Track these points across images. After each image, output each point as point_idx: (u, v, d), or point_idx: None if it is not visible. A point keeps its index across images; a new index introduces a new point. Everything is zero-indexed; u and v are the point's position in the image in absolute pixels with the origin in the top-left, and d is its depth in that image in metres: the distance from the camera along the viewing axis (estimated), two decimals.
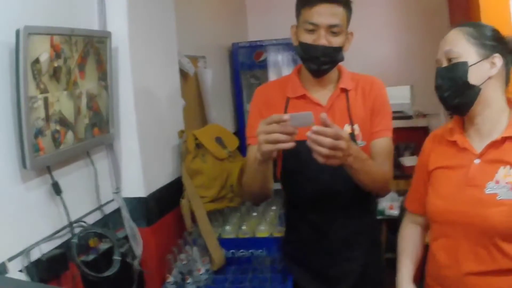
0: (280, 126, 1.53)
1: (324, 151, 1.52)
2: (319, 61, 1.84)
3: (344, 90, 1.94)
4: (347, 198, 1.93)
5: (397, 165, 4.21)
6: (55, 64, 1.79)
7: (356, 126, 1.92)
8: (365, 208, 2.04)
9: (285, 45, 4.29)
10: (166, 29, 2.69)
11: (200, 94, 3.46)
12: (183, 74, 3.12)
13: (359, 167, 1.70)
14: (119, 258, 2.02)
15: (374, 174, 1.80)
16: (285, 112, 1.91)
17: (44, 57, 1.72)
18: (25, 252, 1.68)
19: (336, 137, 1.52)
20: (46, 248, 1.80)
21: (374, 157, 1.89)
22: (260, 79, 4.43)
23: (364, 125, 1.92)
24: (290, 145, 1.55)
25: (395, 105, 4.48)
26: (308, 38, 1.83)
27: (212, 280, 2.38)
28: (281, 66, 4.38)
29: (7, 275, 1.56)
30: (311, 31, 1.82)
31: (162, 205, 2.49)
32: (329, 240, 1.98)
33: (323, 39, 1.81)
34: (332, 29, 1.81)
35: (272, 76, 4.35)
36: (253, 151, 1.85)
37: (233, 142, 2.81)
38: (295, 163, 1.92)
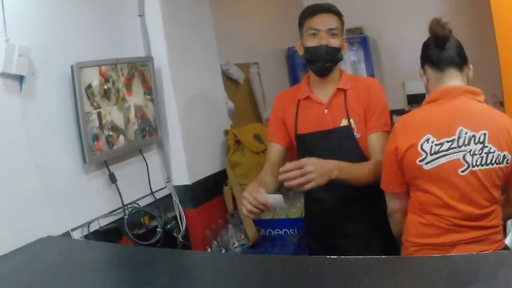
0: (254, 202, 1.94)
1: (295, 182, 1.90)
2: (323, 59, 2.23)
3: (342, 90, 2.31)
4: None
5: None
6: (105, 87, 2.53)
7: (352, 120, 2.27)
8: (367, 189, 2.24)
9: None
10: (206, 45, 3.36)
11: (253, 97, 4.11)
12: (234, 80, 3.80)
13: (346, 176, 2.06)
14: (161, 230, 2.74)
15: (363, 176, 2.14)
16: (297, 113, 2.38)
17: (95, 82, 2.46)
18: (86, 224, 2.43)
19: (299, 167, 1.90)
20: (104, 223, 2.55)
21: (370, 150, 2.26)
22: None
23: (359, 120, 2.28)
24: (254, 216, 2.03)
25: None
26: (312, 42, 2.24)
27: (245, 252, 3.01)
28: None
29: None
30: (314, 35, 2.23)
31: (207, 191, 3.18)
32: (334, 216, 2.37)
33: (325, 40, 2.22)
34: (331, 32, 2.23)
35: None
36: (271, 147, 2.45)
37: None
38: (306, 154, 2.16)
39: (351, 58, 5.07)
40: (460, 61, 1.98)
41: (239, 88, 3.97)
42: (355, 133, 2.28)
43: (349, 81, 2.35)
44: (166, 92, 2.99)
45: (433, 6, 5.08)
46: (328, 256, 1.48)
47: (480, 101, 1.95)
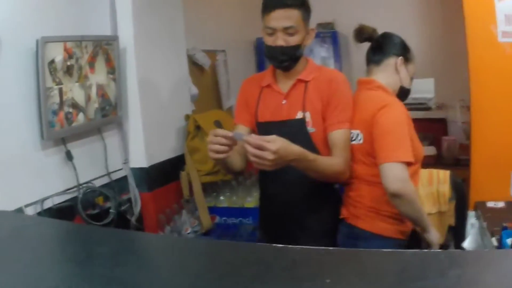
0: (218, 139, 1.89)
1: (251, 158, 1.84)
2: (279, 59, 2.17)
3: (303, 81, 2.23)
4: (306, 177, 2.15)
5: None
6: (68, 63, 2.54)
7: (307, 114, 2.18)
8: (319, 187, 2.24)
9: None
10: (173, 29, 3.40)
11: (217, 84, 4.16)
12: (200, 66, 3.84)
13: (304, 167, 2.00)
14: (115, 211, 2.77)
15: (323, 171, 2.08)
16: (258, 99, 2.31)
17: (59, 58, 2.47)
18: (40, 201, 2.44)
19: (260, 148, 1.81)
20: (58, 201, 2.56)
21: (332, 147, 2.16)
22: None
23: (316, 114, 2.19)
24: (223, 155, 1.93)
25: (419, 98, 4.85)
26: (268, 40, 2.15)
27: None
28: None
29: None
30: (271, 34, 2.13)
31: (164, 175, 3.23)
32: (286, 211, 2.30)
33: (280, 40, 2.12)
34: (287, 31, 2.11)
35: None
36: (238, 130, 2.31)
37: (231, 125, 3.47)
38: None
39: (321, 53, 5.14)
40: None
41: (204, 75, 4.01)
42: (309, 127, 2.20)
43: (313, 72, 2.27)
44: (129, 73, 3.01)
45: (405, 5, 5.20)
46: (274, 244, 1.51)
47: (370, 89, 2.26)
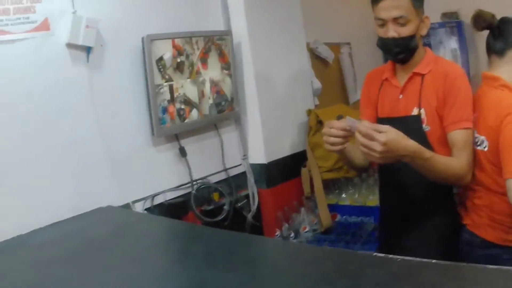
0: (333, 131, 1.85)
1: (360, 147, 1.76)
2: (393, 52, 2.07)
3: (419, 74, 2.11)
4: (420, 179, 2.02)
5: None
6: (178, 60, 2.58)
7: (422, 111, 2.06)
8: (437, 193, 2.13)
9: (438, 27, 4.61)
10: (290, 22, 3.32)
11: (343, 78, 4.03)
12: (323, 60, 3.73)
13: (419, 165, 1.86)
14: (228, 208, 2.76)
15: (441, 172, 1.92)
16: (379, 93, 2.23)
17: (167, 55, 2.52)
18: (150, 197, 2.51)
19: (370, 138, 1.72)
20: (170, 197, 2.61)
21: (452, 148, 2.00)
22: None
23: (431, 111, 2.06)
24: (339, 147, 1.89)
25: None
26: (380, 32, 2.07)
27: (315, 238, 2.97)
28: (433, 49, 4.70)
29: None
30: (382, 25, 2.05)
31: (284, 172, 3.17)
32: (394, 206, 2.25)
33: (392, 32, 2.02)
34: (398, 21, 2.01)
35: None
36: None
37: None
38: None
39: (451, 45, 4.80)
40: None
41: (328, 68, 3.89)
42: (424, 126, 2.07)
43: (430, 64, 2.13)
44: (245, 68, 3.00)
45: None
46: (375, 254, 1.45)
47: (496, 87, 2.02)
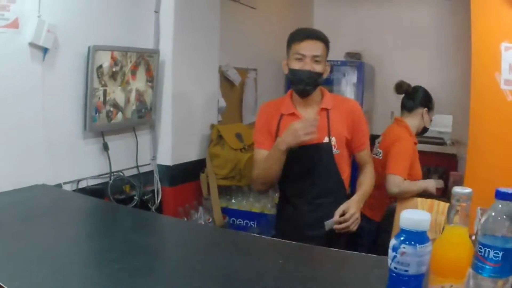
0: (311, 126, 2.33)
1: (349, 228, 2.42)
2: (305, 83, 2.46)
3: (325, 110, 2.57)
4: (328, 189, 2.61)
5: None
6: (114, 69, 3.09)
7: (333, 138, 2.55)
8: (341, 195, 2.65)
9: (340, 65, 5.42)
10: (209, 47, 3.94)
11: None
12: (231, 82, 4.38)
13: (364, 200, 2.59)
14: (138, 199, 3.30)
15: (370, 191, 2.66)
16: (278, 126, 2.61)
17: (106, 64, 3.03)
18: (76, 181, 2.99)
19: (344, 215, 2.42)
20: (92, 183, 3.11)
21: (363, 163, 2.69)
22: None
23: (341, 138, 2.57)
24: (315, 135, 2.36)
25: (435, 131, 5.31)
26: (296, 65, 2.46)
27: None
28: (335, 84, 5.50)
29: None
30: (300, 60, 2.45)
31: (186, 174, 3.76)
32: (305, 221, 2.63)
33: (308, 66, 2.44)
34: (315, 58, 2.45)
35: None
36: (259, 153, 2.61)
37: (251, 138, 3.98)
38: (287, 165, 2.53)
39: (353, 80, 5.59)
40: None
41: (234, 90, 4.55)
42: (334, 150, 2.56)
43: (331, 101, 2.61)
44: (165, 83, 3.57)
45: (429, 45, 5.60)
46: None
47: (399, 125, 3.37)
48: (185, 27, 3.63)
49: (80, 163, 3.04)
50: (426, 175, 5.00)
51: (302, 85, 2.49)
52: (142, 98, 3.37)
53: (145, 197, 3.44)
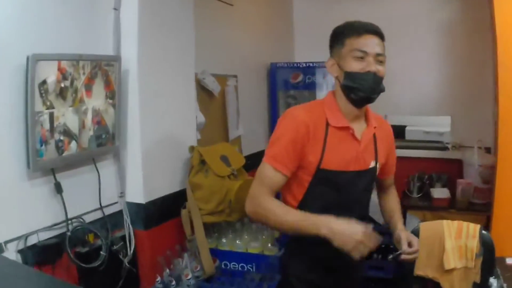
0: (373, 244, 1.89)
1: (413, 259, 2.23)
2: (370, 90, 2.00)
3: (372, 128, 2.19)
4: (363, 217, 2.21)
5: (426, 196, 4.56)
6: (62, 85, 2.40)
7: (378, 165, 2.22)
8: None
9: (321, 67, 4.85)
10: (182, 51, 3.28)
11: (226, 112, 4.05)
12: (209, 92, 3.72)
13: None
14: (105, 253, 2.62)
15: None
16: (325, 140, 2.07)
17: (51, 79, 2.34)
18: (23, 237, 2.29)
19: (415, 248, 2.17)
20: (44, 236, 2.41)
21: (387, 186, 2.50)
22: (297, 100, 4.98)
23: (382, 162, 2.27)
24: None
25: (434, 133, 5.05)
26: (357, 66, 1.99)
27: (198, 286, 2.90)
28: (317, 88, 4.93)
29: (3, 254, 2.18)
30: (360, 59, 1.99)
31: (163, 212, 3.09)
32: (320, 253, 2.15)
33: (373, 67, 1.98)
34: (379, 58, 2.00)
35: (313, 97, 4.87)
36: (273, 177, 2.05)
37: (239, 161, 3.35)
38: (327, 189, 2.11)
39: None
40: None
41: (213, 101, 3.88)
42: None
43: (373, 117, 2.23)
44: (130, 98, 2.89)
45: (428, 38, 5.13)
46: None
47: None
48: (152, 26, 2.97)
49: (26, 212, 2.34)
50: (429, 184, 4.61)
51: (366, 92, 2.01)
52: (101, 120, 2.69)
53: (115, 247, 2.76)
